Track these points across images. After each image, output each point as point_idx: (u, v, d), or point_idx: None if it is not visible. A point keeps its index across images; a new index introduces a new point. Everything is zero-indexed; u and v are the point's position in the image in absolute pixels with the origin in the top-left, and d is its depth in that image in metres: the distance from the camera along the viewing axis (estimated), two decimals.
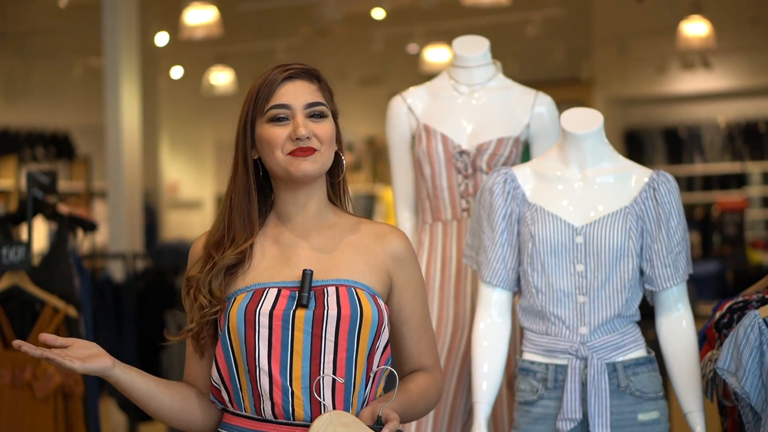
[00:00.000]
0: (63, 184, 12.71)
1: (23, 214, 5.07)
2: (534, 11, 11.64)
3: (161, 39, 11.86)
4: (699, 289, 9.60)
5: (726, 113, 13.72)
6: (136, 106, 8.95)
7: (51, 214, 5.10)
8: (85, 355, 2.32)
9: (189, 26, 9.64)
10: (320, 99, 2.49)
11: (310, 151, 2.44)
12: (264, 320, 2.37)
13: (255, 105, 2.48)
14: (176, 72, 13.09)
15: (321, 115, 2.48)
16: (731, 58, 12.76)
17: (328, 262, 2.46)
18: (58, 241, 5.00)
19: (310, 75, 2.51)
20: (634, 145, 13.86)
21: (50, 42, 13.08)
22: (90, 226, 5.33)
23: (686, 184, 13.66)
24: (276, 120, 2.45)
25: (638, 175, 3.20)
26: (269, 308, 2.38)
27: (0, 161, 13.64)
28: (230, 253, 2.44)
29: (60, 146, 13.60)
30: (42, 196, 5.01)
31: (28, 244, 4.68)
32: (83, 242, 5.44)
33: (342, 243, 2.50)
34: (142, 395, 2.41)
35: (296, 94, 2.47)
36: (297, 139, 2.42)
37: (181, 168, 14.57)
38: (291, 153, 2.44)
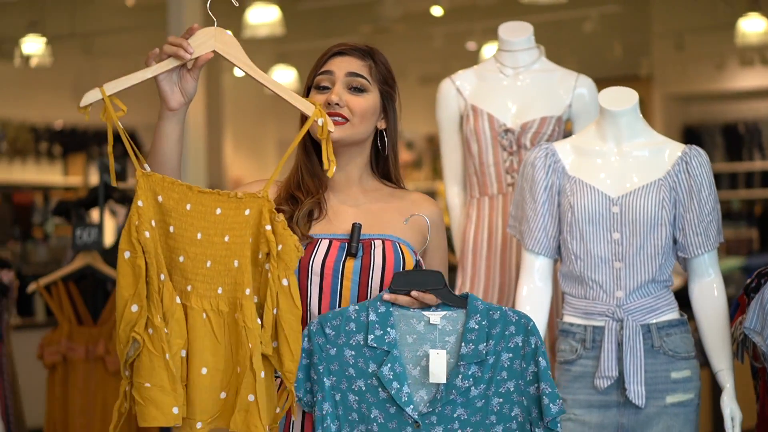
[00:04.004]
0: (129, 181, 12.96)
1: (94, 200, 5.30)
2: (591, 8, 11.68)
3: None
4: None
5: None
6: (201, 104, 9.12)
7: (120, 198, 5.33)
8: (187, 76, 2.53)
9: (252, 25, 9.82)
10: (363, 73, 2.70)
11: (340, 119, 2.66)
12: (317, 269, 2.60)
13: (310, 75, 2.72)
14: (240, 70, 13.26)
15: (360, 89, 2.70)
16: None
17: (374, 220, 2.69)
18: None
19: (362, 53, 2.74)
20: (693, 141, 13.54)
21: (117, 42, 13.26)
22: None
23: (745, 180, 13.62)
24: (319, 88, 2.69)
25: (672, 149, 3.37)
26: (321, 258, 2.60)
27: (69, 159, 13.93)
28: (308, 200, 2.66)
29: None
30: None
31: (100, 226, 4.91)
32: None
33: (384, 205, 2.73)
34: (168, 143, 2.55)
35: (341, 64, 2.70)
36: (328, 104, 2.65)
37: (244, 165, 14.74)
38: None
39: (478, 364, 2.56)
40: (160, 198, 2.47)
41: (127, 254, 2.45)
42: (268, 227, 2.42)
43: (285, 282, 2.41)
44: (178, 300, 2.46)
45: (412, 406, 2.54)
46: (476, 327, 2.57)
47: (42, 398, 5.03)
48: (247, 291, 2.43)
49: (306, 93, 2.75)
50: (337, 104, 2.66)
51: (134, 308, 2.45)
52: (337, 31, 13.57)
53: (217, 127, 13.40)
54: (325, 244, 2.63)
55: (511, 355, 2.58)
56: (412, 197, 2.80)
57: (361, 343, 2.56)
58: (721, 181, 13.32)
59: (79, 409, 4.78)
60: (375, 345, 2.55)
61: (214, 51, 2.54)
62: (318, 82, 2.71)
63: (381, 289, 2.61)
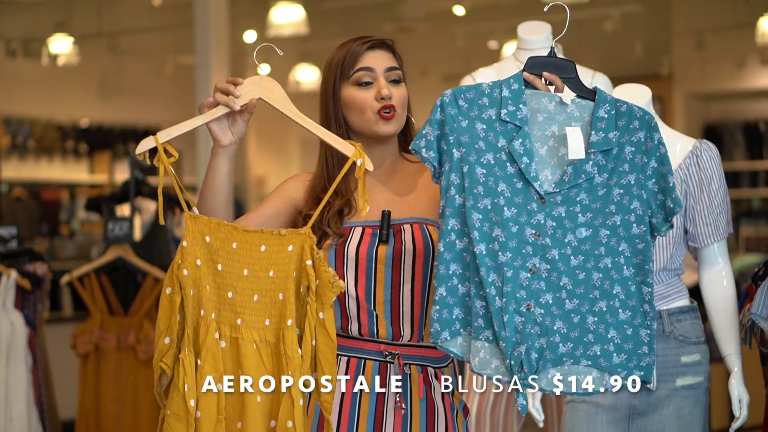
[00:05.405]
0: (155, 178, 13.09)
1: (124, 194, 5.45)
2: (612, 7, 11.75)
3: (249, 36, 12.17)
4: None
5: None
6: None
7: (150, 193, 5.47)
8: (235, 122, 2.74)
9: (276, 24, 9.91)
10: (397, 64, 2.87)
11: (392, 111, 2.81)
12: (351, 254, 2.75)
13: (341, 71, 2.85)
14: (264, 69, 13.35)
15: (398, 81, 2.86)
16: None
17: (402, 204, 2.83)
18: (158, 218, 5.37)
19: (386, 45, 2.89)
20: (713, 140, 13.51)
21: (143, 41, 13.38)
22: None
23: (766, 178, 13.60)
24: (361, 84, 2.83)
25: (683, 143, 3.49)
26: (356, 245, 2.76)
27: (94, 156, 14.08)
28: (337, 201, 2.81)
29: None
30: (142, 177, 5.39)
31: (131, 220, 5.06)
32: (180, 221, 5.80)
33: (411, 185, 2.87)
34: (219, 177, 2.75)
35: (377, 60, 2.85)
36: (382, 98, 2.80)
37: (268, 163, 14.86)
38: (379, 113, 2.80)
39: (603, 153, 2.59)
40: (207, 238, 2.62)
41: (168, 290, 2.61)
42: (309, 262, 2.55)
43: (321, 315, 2.54)
44: (216, 335, 2.60)
45: (538, 183, 2.57)
46: (605, 116, 2.59)
47: (72, 389, 5.18)
48: (290, 322, 2.56)
49: (335, 86, 2.86)
50: (390, 97, 2.81)
51: (166, 341, 2.61)
52: (360, 30, 13.46)
53: None
54: (358, 231, 2.78)
55: (633, 148, 2.60)
56: None
57: (493, 117, 2.59)
58: (741, 179, 13.38)
59: (111, 397, 4.93)
60: (507, 120, 2.58)
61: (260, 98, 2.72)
62: (359, 78, 2.83)
63: (413, 273, 2.75)
